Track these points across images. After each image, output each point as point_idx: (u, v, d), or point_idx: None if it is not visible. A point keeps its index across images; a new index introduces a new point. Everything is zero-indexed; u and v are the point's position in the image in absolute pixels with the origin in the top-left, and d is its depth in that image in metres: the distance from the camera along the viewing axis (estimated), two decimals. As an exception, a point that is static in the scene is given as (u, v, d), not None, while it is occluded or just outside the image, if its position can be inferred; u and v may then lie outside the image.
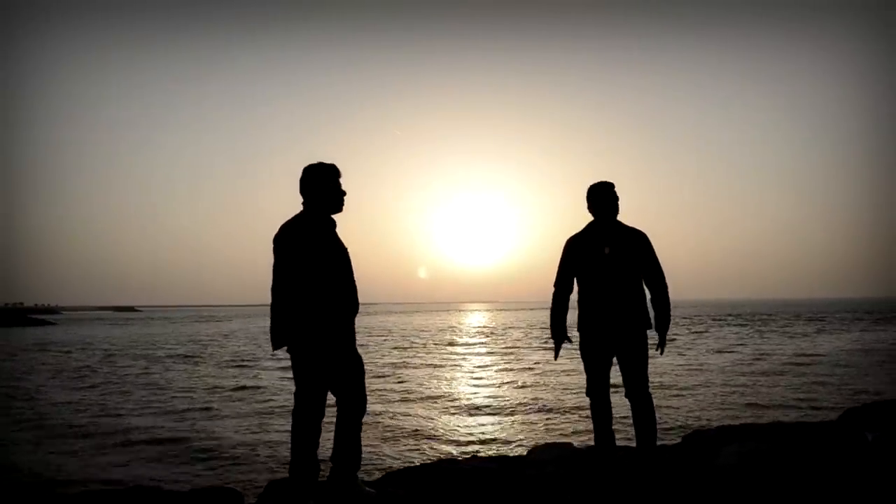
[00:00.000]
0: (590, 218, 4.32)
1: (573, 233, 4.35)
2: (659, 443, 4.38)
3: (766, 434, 5.35)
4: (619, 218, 4.28)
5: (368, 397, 3.85)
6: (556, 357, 4.37)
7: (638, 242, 4.18)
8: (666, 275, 4.24)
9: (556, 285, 4.32)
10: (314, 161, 3.73)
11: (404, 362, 24.39)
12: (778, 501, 3.56)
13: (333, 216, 3.72)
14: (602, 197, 4.23)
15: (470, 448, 9.65)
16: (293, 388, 3.65)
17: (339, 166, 3.75)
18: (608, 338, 4.14)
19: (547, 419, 12.15)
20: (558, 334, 4.31)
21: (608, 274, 4.13)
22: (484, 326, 58.23)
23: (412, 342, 36.87)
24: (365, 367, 3.83)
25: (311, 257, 3.52)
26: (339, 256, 3.64)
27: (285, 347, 3.56)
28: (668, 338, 4.26)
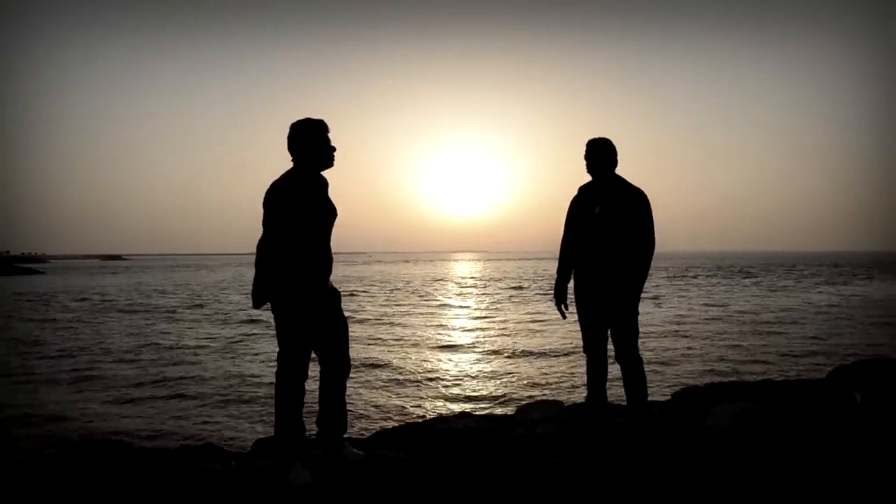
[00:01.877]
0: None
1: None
2: (649, 398, 4.34)
3: (755, 393, 5.36)
4: (624, 176, 4.16)
5: (354, 352, 3.79)
6: (563, 317, 4.28)
7: (633, 202, 4.03)
8: (657, 238, 4.11)
9: (560, 245, 4.27)
10: (301, 116, 3.58)
11: (390, 315, 24.43)
12: (769, 465, 3.54)
13: (325, 173, 3.60)
14: (593, 154, 4.12)
15: (458, 405, 9.64)
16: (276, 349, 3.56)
17: (333, 118, 3.62)
18: (597, 300, 4.07)
19: (535, 373, 12.20)
20: (558, 295, 4.25)
21: (597, 234, 4.04)
22: (473, 277, 58.42)
23: (401, 293, 36.94)
24: (349, 323, 3.77)
25: (301, 216, 3.41)
26: (327, 217, 3.53)
27: (266, 306, 3.47)
28: (636, 299, 4.05)
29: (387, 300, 31.95)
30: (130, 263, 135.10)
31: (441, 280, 53.84)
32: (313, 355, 3.57)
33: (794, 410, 4.64)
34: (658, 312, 22.46)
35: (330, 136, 3.59)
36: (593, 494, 3.19)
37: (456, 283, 49.89)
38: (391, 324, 21.04)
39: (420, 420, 5.69)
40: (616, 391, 5.54)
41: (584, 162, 4.17)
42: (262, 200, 3.46)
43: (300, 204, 3.41)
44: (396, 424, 4.99)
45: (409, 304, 29.36)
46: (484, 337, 17.89)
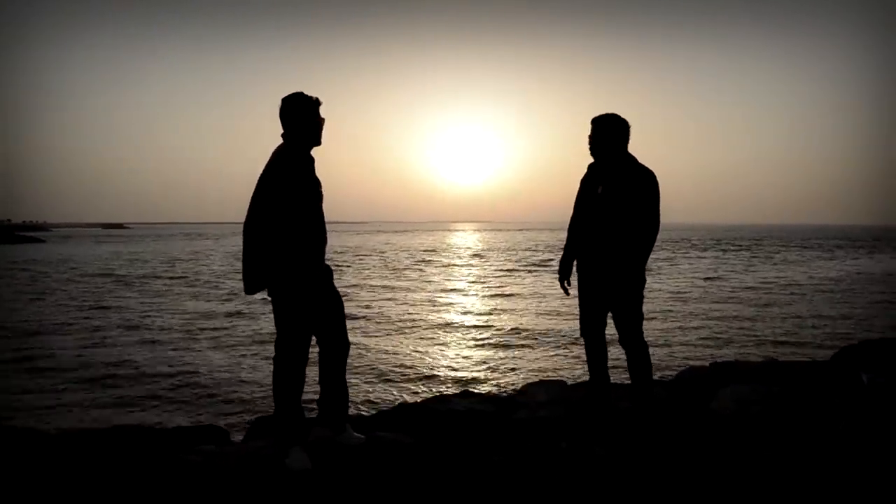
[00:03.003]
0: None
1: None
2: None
3: (760, 374, 5.30)
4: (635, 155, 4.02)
5: (351, 329, 3.70)
6: (565, 293, 4.24)
7: (640, 183, 3.88)
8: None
9: (569, 223, 4.21)
10: (302, 89, 3.46)
11: (389, 288, 24.34)
12: (776, 452, 3.48)
13: (313, 150, 3.51)
14: (594, 132, 3.99)
15: (459, 385, 9.49)
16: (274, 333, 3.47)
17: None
18: (599, 282, 3.98)
19: (539, 349, 12.13)
20: (561, 272, 4.21)
21: (599, 215, 3.94)
22: (473, 248, 58.34)
23: (400, 264, 36.87)
24: (345, 298, 3.67)
25: (295, 197, 3.31)
26: (317, 195, 3.44)
27: (261, 292, 3.38)
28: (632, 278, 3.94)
29: (389, 269, 31.88)
30: (132, 232, 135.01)
31: (441, 251, 53.76)
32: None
33: (801, 393, 4.58)
34: (657, 286, 22.35)
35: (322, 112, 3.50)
36: (600, 482, 3.13)
37: (460, 253, 49.86)
38: (391, 299, 20.88)
39: (420, 400, 5.61)
40: (619, 371, 5.49)
41: (588, 142, 4.02)
42: (258, 174, 3.37)
43: (293, 184, 3.32)
44: (396, 404, 4.92)
45: (410, 275, 29.28)
46: (485, 312, 17.73)
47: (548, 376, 8.89)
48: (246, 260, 3.35)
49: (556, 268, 4.31)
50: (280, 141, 3.48)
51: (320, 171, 3.53)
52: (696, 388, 4.96)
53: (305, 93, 3.45)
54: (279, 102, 3.46)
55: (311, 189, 3.40)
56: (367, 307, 18.23)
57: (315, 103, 3.45)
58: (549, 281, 24.31)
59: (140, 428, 4.38)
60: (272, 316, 3.46)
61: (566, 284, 4.21)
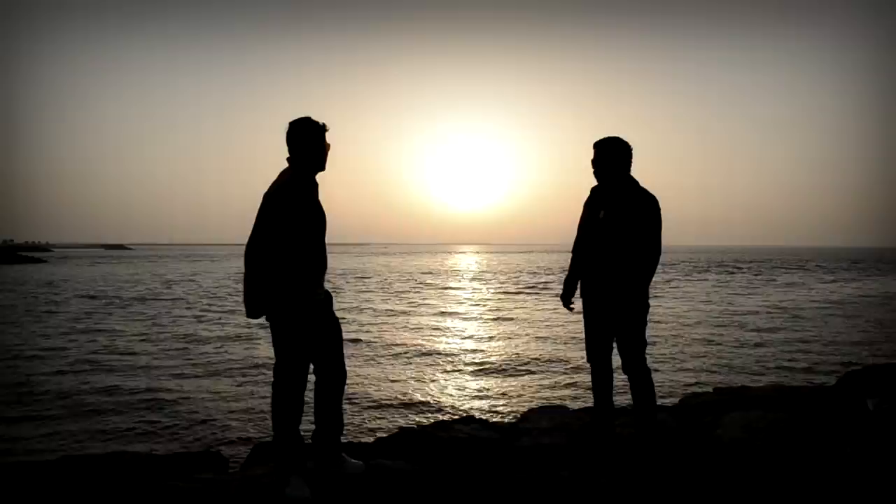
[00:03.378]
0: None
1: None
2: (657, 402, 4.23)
3: (764, 400, 5.26)
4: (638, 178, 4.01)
5: (349, 355, 3.65)
6: (567, 308, 4.24)
7: (641, 207, 3.86)
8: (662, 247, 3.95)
9: (573, 246, 4.20)
10: (303, 109, 3.48)
11: (389, 311, 24.23)
12: (782, 478, 3.42)
13: (317, 176, 3.51)
14: (596, 156, 3.98)
15: (461, 409, 9.39)
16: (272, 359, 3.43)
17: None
18: (602, 308, 3.95)
19: (541, 374, 12.02)
20: (564, 291, 4.21)
21: (600, 239, 3.92)
22: (474, 270, 58.30)
23: (400, 287, 36.79)
24: (343, 322, 3.65)
25: (299, 222, 3.30)
26: (320, 222, 3.43)
27: (263, 317, 3.34)
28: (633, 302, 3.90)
29: (391, 291, 31.76)
30: (132, 253, 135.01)
31: (442, 273, 53.68)
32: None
33: (806, 419, 4.52)
34: (659, 310, 22.22)
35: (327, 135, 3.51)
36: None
37: (460, 275, 49.80)
38: (390, 323, 20.66)
39: (420, 426, 5.53)
40: (622, 396, 5.42)
41: (592, 166, 4.02)
42: (261, 197, 3.36)
43: (297, 210, 3.30)
44: (397, 431, 4.84)
45: (411, 298, 29.17)
46: (485, 336, 17.56)
47: (550, 402, 8.75)
48: (248, 284, 3.33)
49: (560, 290, 4.30)
50: (284, 164, 3.48)
51: (321, 190, 3.52)
52: (701, 414, 4.92)
53: (313, 118, 3.47)
54: (281, 122, 3.47)
55: (315, 215, 3.39)
56: (366, 331, 18.01)
57: (322, 129, 3.46)
58: (552, 305, 24.20)
59: (136, 455, 4.31)
60: (271, 340, 3.43)
61: (569, 302, 4.21)
